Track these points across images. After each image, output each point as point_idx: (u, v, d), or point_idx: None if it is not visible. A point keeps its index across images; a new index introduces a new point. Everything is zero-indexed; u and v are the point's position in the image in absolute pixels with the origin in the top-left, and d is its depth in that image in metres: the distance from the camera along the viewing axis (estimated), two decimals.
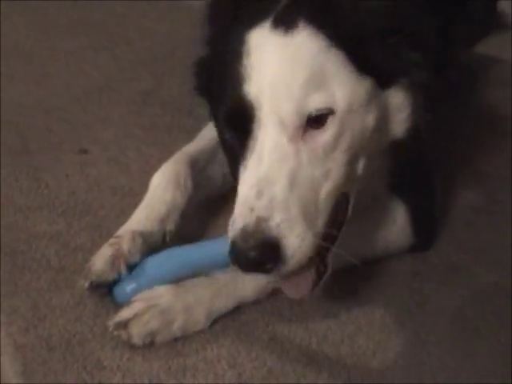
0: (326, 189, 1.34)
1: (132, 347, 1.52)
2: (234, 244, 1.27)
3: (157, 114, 2.28)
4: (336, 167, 1.34)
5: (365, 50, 1.28)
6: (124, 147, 2.12)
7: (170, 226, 1.67)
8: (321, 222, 1.33)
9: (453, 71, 1.50)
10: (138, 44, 2.69)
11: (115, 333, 1.52)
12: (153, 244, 1.63)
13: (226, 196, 1.86)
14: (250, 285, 1.61)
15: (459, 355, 1.58)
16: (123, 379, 1.47)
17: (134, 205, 1.74)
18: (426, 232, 1.80)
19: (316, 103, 1.26)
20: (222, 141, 1.44)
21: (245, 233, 1.25)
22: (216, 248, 1.59)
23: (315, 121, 1.28)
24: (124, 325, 1.52)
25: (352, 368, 1.53)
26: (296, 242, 1.27)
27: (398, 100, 1.38)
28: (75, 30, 2.75)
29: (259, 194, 1.25)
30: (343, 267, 1.63)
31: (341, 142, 1.34)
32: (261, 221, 1.24)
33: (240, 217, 1.27)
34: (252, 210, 1.25)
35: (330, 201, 1.34)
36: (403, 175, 1.68)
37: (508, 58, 2.57)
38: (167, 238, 1.66)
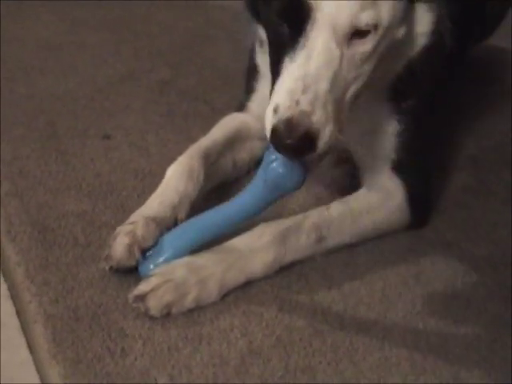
0: (352, 91, 1.32)
1: (152, 317, 1.50)
2: (276, 129, 1.26)
3: (174, 101, 2.25)
4: (364, 74, 1.32)
5: None
6: (144, 132, 2.09)
7: (181, 214, 1.64)
8: (342, 117, 1.31)
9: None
10: (157, 38, 2.66)
11: (134, 305, 1.50)
12: (164, 229, 1.60)
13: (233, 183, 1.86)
14: (258, 262, 1.58)
15: (451, 323, 1.57)
16: (144, 346, 1.45)
17: (154, 185, 1.71)
18: (422, 210, 1.78)
19: (367, 18, 1.24)
20: (267, 29, 1.37)
21: (289, 123, 1.24)
22: (229, 209, 1.58)
23: (359, 32, 1.26)
24: (142, 298, 1.49)
25: (354, 336, 1.51)
26: (327, 135, 1.27)
27: (422, 15, 1.34)
28: (99, 26, 2.73)
29: (305, 89, 1.23)
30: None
31: (374, 54, 1.32)
32: (304, 114, 1.24)
33: (286, 107, 1.25)
34: (297, 102, 1.24)
35: (351, 101, 1.33)
36: (402, 154, 1.65)
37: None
38: (178, 224, 1.62)
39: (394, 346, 1.50)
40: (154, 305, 1.49)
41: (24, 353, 1.49)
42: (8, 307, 1.58)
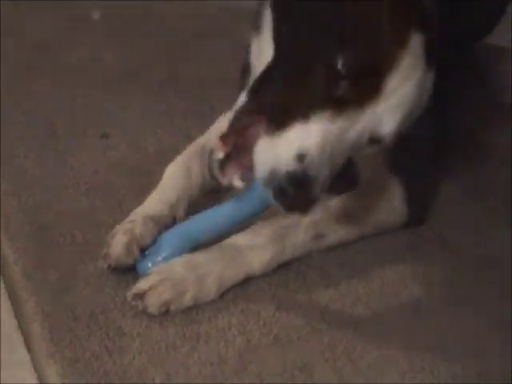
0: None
1: (150, 316, 1.50)
2: (291, 174, 1.22)
3: (172, 101, 2.25)
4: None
5: None
6: (142, 132, 2.09)
7: (180, 212, 1.65)
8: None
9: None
10: (155, 37, 2.66)
11: (132, 303, 1.51)
12: (163, 228, 1.61)
13: None
14: (257, 259, 1.59)
15: (449, 321, 1.56)
16: (142, 345, 1.45)
17: (152, 184, 1.72)
18: (419, 209, 1.78)
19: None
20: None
21: (306, 181, 1.22)
22: (229, 209, 1.58)
23: None
24: (140, 296, 1.50)
25: (351, 334, 1.51)
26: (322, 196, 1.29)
27: None
28: (97, 25, 2.72)
29: (331, 158, 1.22)
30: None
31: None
32: (318, 182, 1.23)
33: (312, 164, 1.21)
34: (322, 167, 1.23)
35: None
36: (399, 152, 1.66)
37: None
38: (176, 223, 1.63)
39: (392, 344, 1.50)
40: (153, 303, 1.50)
41: (22, 352, 1.49)
42: (5, 306, 1.58)
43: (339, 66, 1.23)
